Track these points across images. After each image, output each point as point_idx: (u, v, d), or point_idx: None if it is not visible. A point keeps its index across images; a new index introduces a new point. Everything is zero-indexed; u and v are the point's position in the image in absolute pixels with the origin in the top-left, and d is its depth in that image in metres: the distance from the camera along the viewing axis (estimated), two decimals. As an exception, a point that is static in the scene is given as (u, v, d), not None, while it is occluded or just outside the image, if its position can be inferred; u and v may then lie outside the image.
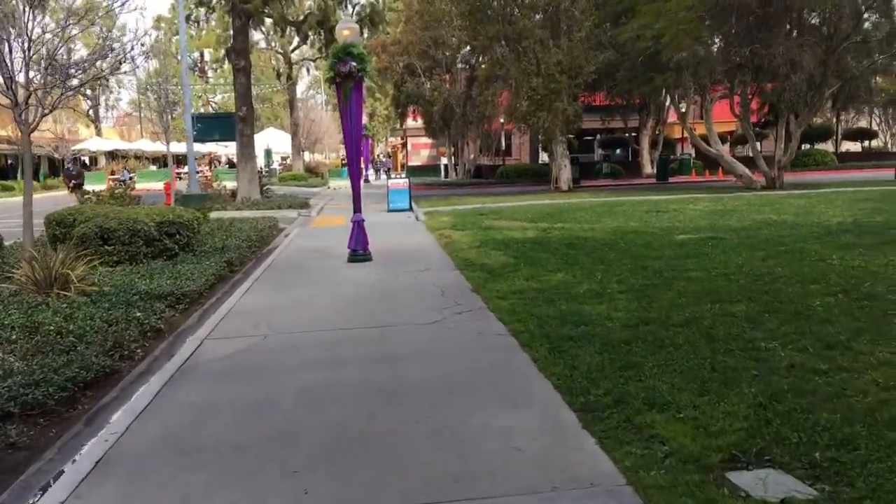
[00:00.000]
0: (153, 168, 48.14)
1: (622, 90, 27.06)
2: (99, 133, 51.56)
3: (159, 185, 28.02)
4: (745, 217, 14.78)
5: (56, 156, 40.63)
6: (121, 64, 8.41)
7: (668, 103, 36.20)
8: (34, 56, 8.23)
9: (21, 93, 8.38)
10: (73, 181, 22.73)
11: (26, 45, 8.18)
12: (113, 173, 39.49)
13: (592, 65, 24.27)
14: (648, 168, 37.00)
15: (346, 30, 10.29)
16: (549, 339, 5.88)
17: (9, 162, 43.23)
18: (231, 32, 23.77)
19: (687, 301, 6.98)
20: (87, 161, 50.82)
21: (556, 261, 9.91)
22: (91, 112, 53.37)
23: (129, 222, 10.23)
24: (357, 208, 11.08)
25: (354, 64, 10.12)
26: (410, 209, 19.93)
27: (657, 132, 37.98)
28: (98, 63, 8.34)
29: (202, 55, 66.54)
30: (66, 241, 10.57)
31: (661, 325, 6.13)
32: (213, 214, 18.33)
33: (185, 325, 7.54)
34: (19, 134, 29.04)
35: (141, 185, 35.91)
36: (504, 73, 28.98)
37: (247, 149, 22.80)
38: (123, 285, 8.40)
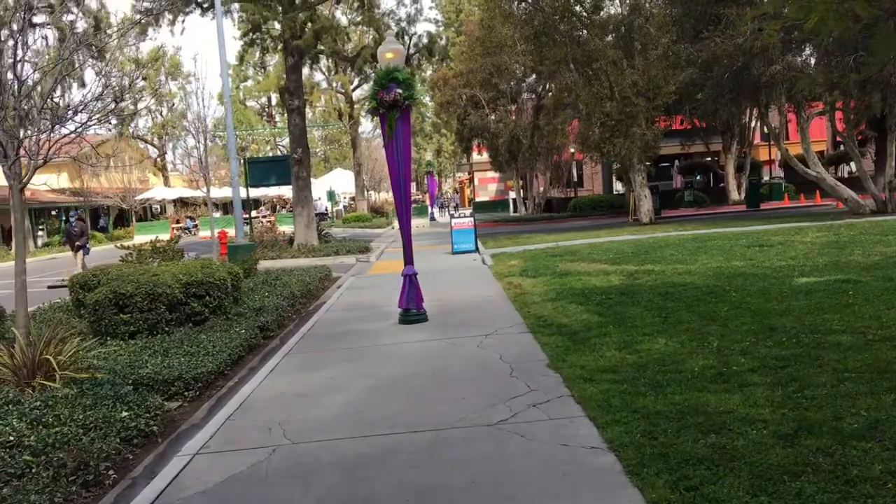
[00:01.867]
0: (217, 215, 48.31)
1: (707, 111, 24.75)
2: (166, 182, 52.14)
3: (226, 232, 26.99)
4: (871, 250, 12.43)
5: (123, 206, 40.90)
6: (118, 103, 7.14)
7: (754, 124, 33.56)
8: (24, 99, 6.98)
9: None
10: (73, 241, 18.31)
11: (15, 85, 6.96)
12: (178, 222, 39.47)
13: (672, 84, 22.15)
14: (735, 194, 34.23)
15: (389, 52, 8.75)
16: (669, 461, 4.02)
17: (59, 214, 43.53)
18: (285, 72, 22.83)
19: (855, 388, 4.97)
20: (159, 209, 51.43)
21: (652, 319, 7.98)
22: (159, 160, 54.19)
23: (148, 286, 8.85)
24: (408, 259, 9.39)
25: (400, 91, 8.56)
26: (476, 251, 18.24)
27: (742, 155, 35.19)
28: (101, 103, 7.09)
29: (269, 100, 67.53)
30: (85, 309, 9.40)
31: (832, 435, 4.16)
32: (265, 263, 17.12)
33: (188, 421, 6.02)
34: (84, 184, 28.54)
35: (204, 233, 35.68)
36: (573, 100, 27.23)
37: (303, 192, 21.65)
38: (125, 367, 6.97)
